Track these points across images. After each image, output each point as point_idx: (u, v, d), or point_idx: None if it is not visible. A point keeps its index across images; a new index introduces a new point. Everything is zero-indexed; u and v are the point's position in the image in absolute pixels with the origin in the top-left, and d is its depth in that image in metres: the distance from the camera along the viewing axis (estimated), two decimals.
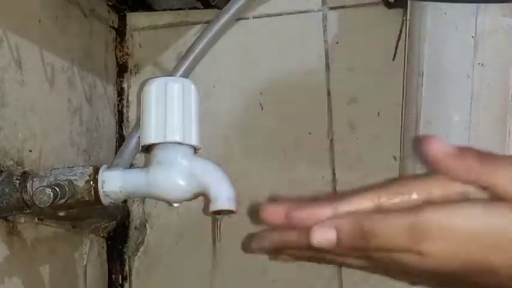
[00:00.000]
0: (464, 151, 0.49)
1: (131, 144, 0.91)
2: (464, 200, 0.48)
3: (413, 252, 0.47)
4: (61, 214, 0.80)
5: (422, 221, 0.47)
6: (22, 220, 0.80)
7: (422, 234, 0.47)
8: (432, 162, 0.49)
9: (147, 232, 1.06)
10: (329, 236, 0.49)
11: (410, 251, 0.47)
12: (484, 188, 0.48)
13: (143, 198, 1.06)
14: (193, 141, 0.73)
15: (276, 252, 0.55)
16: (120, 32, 1.08)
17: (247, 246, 0.59)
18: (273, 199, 0.53)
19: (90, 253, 0.97)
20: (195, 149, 0.74)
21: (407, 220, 0.47)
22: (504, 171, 0.48)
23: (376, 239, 0.48)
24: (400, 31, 0.97)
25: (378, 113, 1.00)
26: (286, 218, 0.50)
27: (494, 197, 0.47)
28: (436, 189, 0.49)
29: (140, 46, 1.09)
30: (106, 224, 1.00)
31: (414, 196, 0.49)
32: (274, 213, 0.51)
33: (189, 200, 0.73)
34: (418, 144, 0.51)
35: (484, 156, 0.48)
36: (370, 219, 0.48)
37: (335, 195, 0.53)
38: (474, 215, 0.47)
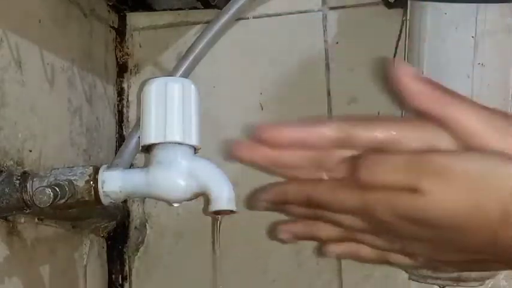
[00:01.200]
0: (434, 82, 0.50)
1: (131, 144, 0.91)
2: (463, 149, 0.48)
3: (411, 190, 0.47)
4: (61, 212, 0.80)
5: (423, 158, 0.47)
6: (22, 220, 0.80)
7: (422, 170, 0.47)
8: (400, 88, 0.49)
9: (147, 232, 1.06)
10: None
11: (409, 189, 0.47)
12: (447, 125, 0.48)
13: (143, 198, 1.06)
14: (193, 141, 0.73)
15: (278, 207, 0.56)
16: (120, 32, 1.08)
17: (250, 202, 0.60)
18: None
19: (90, 253, 0.97)
20: (195, 149, 0.74)
21: (407, 156, 0.48)
22: (468, 107, 0.49)
23: (374, 171, 0.48)
24: (400, 31, 0.97)
25: (378, 113, 1.00)
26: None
27: (460, 139, 0.48)
28: (410, 132, 0.50)
29: (140, 46, 1.09)
30: (106, 224, 1.00)
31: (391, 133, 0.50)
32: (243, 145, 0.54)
33: (189, 200, 0.73)
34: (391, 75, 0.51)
35: (451, 91, 0.50)
36: (371, 152, 0.49)
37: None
38: (473, 161, 0.47)
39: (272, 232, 0.60)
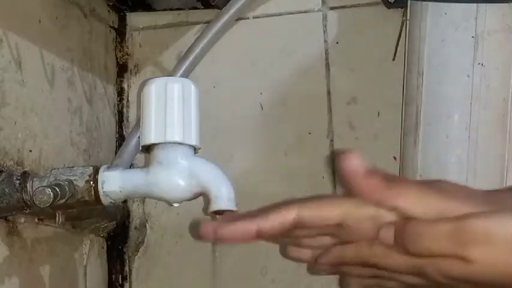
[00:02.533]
0: (372, 173, 0.51)
1: (131, 144, 0.91)
2: (502, 209, 0.49)
3: (459, 258, 0.48)
4: (61, 220, 0.80)
5: (466, 225, 0.48)
6: (22, 220, 0.80)
7: (467, 238, 0.48)
8: (345, 179, 0.51)
9: (147, 232, 1.06)
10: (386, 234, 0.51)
11: (456, 257, 0.48)
12: (391, 210, 0.50)
13: (143, 198, 1.06)
14: (193, 141, 0.73)
15: (336, 269, 0.59)
16: (120, 32, 1.08)
17: (310, 268, 0.63)
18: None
19: (90, 253, 0.97)
20: (195, 149, 0.74)
21: (451, 224, 0.48)
22: (407, 194, 0.50)
23: (420, 241, 0.49)
24: (400, 31, 0.97)
25: (378, 113, 1.00)
26: (214, 233, 0.54)
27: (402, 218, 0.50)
28: (353, 209, 0.52)
29: (140, 46, 1.09)
30: (106, 224, 1.00)
31: (333, 214, 0.52)
32: (206, 229, 0.55)
33: (189, 200, 0.73)
34: (337, 160, 0.53)
35: (390, 179, 0.51)
36: (414, 222, 0.50)
37: (261, 211, 0.55)
38: (510, 221, 0.48)
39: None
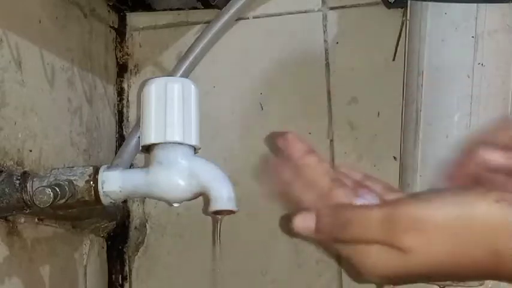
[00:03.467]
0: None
1: (131, 144, 0.91)
2: (435, 191, 0.48)
3: (395, 248, 0.47)
4: (61, 213, 0.80)
5: (396, 212, 0.47)
6: (22, 220, 0.80)
7: (397, 226, 0.46)
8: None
9: (147, 232, 1.06)
10: (309, 223, 0.51)
11: (391, 246, 0.47)
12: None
13: (143, 198, 1.06)
14: (193, 141, 0.73)
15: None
16: (120, 32, 1.08)
17: None
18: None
19: (90, 253, 0.97)
20: (195, 149, 0.74)
21: (381, 211, 0.48)
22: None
23: (352, 228, 0.48)
24: (400, 31, 0.98)
25: (378, 113, 1.00)
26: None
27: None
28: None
29: (140, 46, 1.09)
30: (106, 224, 1.00)
31: None
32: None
33: (189, 200, 0.73)
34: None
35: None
36: (347, 209, 0.49)
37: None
38: (446, 206, 0.46)
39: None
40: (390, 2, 0.96)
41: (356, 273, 0.50)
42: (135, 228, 1.07)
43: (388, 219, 0.47)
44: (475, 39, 0.83)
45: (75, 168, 0.74)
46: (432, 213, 0.46)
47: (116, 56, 1.08)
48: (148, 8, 1.06)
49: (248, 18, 1.04)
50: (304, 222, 0.51)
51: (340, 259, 0.99)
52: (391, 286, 0.54)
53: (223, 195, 0.70)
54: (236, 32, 1.02)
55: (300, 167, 0.53)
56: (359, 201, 0.51)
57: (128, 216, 1.07)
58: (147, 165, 0.74)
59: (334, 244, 0.51)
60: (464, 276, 0.48)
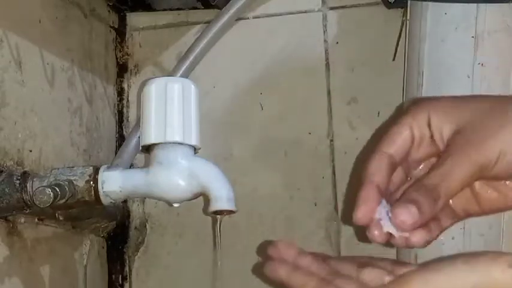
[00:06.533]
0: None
1: (131, 144, 0.91)
2: (445, 258, 0.48)
3: None
4: (60, 218, 0.80)
5: (406, 278, 0.47)
6: (22, 220, 0.80)
7: None
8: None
9: (147, 232, 1.06)
10: None
11: None
12: None
13: (143, 198, 1.06)
14: (193, 141, 0.73)
15: None
16: (120, 32, 1.08)
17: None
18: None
19: (90, 253, 0.97)
20: (195, 149, 0.74)
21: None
22: None
23: None
24: (400, 31, 0.97)
25: (378, 113, 1.00)
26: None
27: None
28: None
29: (140, 46, 1.09)
30: (106, 224, 1.00)
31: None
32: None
33: (189, 200, 0.73)
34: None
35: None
36: None
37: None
38: (456, 273, 0.46)
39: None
40: (390, 2, 0.96)
41: None
42: (135, 228, 1.07)
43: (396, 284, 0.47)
44: (475, 39, 0.83)
45: (75, 168, 0.74)
46: (442, 280, 0.46)
47: (116, 56, 1.08)
48: (148, 8, 1.06)
49: (248, 18, 1.04)
50: None
51: None
52: None
53: (223, 195, 0.70)
54: (236, 32, 1.02)
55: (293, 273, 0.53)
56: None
57: (128, 216, 1.07)
58: (147, 165, 0.74)
59: None
60: None
